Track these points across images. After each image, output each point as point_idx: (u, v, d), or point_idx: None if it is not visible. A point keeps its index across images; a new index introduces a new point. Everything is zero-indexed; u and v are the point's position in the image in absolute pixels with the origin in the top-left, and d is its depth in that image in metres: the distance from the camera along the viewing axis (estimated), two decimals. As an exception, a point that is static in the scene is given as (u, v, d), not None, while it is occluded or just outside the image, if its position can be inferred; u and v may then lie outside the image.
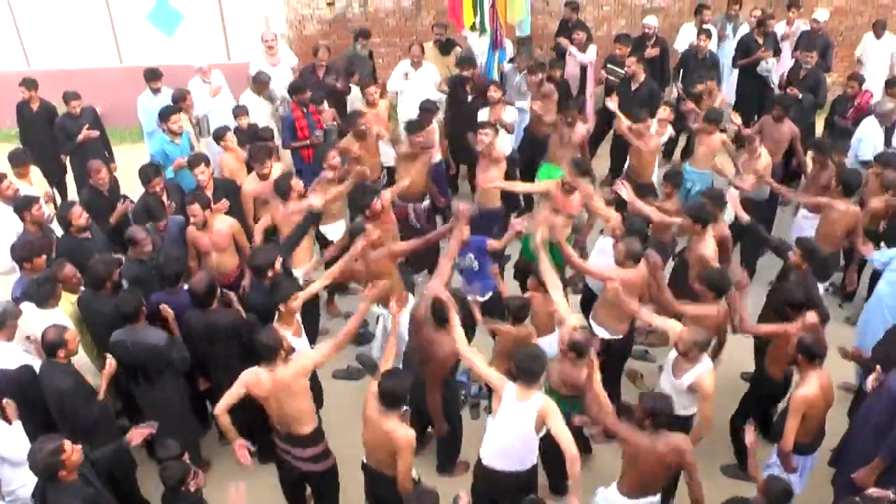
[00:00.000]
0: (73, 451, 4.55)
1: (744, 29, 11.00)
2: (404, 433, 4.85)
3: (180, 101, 9.00)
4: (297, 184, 7.23)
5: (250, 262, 6.44)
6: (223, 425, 5.31)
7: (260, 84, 9.51)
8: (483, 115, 8.87)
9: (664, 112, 8.64)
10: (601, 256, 7.19)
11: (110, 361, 5.64)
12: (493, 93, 8.89)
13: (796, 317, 5.75)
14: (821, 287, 7.22)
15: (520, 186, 8.32)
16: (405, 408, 5.65)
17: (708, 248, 6.63)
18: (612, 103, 8.97)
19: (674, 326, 5.67)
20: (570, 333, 5.44)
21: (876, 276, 7.22)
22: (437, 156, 8.96)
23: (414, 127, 8.07)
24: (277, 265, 6.24)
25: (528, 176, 9.50)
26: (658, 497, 5.17)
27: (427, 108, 8.51)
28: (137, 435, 5.16)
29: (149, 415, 5.96)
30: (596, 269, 6.61)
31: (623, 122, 8.69)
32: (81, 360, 5.81)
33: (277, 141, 9.15)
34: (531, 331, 6.16)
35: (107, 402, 5.78)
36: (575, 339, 5.37)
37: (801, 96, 9.39)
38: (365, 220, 7.02)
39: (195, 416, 6.45)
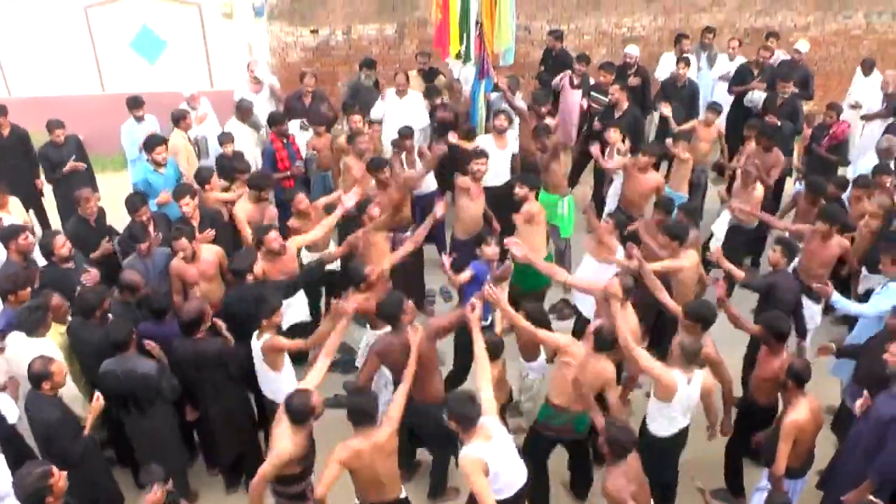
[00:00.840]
0: (60, 478, 4.53)
1: (722, 59, 11.19)
2: (384, 431, 4.98)
3: (180, 120, 9.03)
4: (269, 240, 6.95)
5: (230, 266, 6.59)
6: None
7: (243, 111, 9.52)
8: (484, 143, 8.84)
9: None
10: (586, 269, 7.29)
11: (98, 397, 5.56)
12: (503, 121, 8.90)
13: (780, 350, 5.81)
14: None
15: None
16: None
17: (684, 266, 6.79)
18: (594, 148, 9.01)
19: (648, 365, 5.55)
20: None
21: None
22: (431, 185, 9.00)
23: (379, 163, 8.02)
24: (258, 269, 6.33)
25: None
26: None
27: (401, 133, 8.64)
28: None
29: (138, 444, 5.97)
30: (585, 285, 6.65)
31: (609, 161, 8.88)
32: (70, 391, 5.73)
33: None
34: (500, 369, 6.21)
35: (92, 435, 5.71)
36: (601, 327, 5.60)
37: (779, 123, 9.56)
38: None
39: (183, 445, 6.40)
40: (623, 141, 9.07)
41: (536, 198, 7.78)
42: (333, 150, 9.10)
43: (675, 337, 5.69)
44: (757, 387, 6.01)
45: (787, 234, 7.72)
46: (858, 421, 5.46)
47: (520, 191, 7.56)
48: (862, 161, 9.32)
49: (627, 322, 5.92)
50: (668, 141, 9.12)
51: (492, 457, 4.79)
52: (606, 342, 5.51)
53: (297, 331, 6.94)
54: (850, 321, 7.60)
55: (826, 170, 9.16)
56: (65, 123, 9.10)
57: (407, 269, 7.90)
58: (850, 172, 9.58)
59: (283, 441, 4.99)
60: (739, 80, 10.81)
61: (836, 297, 6.66)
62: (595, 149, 8.86)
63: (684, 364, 5.40)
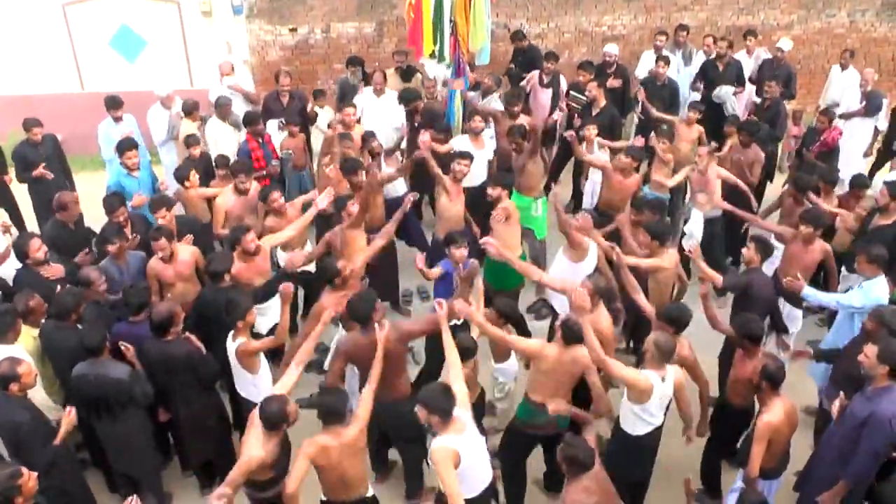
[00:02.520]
0: (30, 478, 4.50)
1: (699, 57, 11.21)
2: (352, 429, 4.97)
3: (193, 110, 9.19)
4: (246, 241, 6.94)
5: (206, 268, 6.57)
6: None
7: (223, 108, 9.45)
8: (460, 144, 8.79)
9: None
10: (559, 268, 7.26)
11: (69, 411, 5.49)
12: (479, 123, 8.86)
13: (755, 353, 5.77)
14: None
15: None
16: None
17: (664, 264, 6.77)
18: (571, 136, 8.98)
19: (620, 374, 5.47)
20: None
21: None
22: (400, 189, 8.95)
23: (353, 165, 7.94)
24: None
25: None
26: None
27: (365, 138, 8.69)
28: None
29: (110, 449, 5.93)
30: (559, 284, 6.55)
31: (588, 154, 8.86)
32: (41, 399, 5.69)
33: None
34: (472, 368, 6.16)
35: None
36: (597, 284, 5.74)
37: (757, 120, 9.58)
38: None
39: (157, 448, 6.36)
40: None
41: (509, 197, 7.78)
42: (331, 143, 8.99)
43: (649, 336, 5.65)
44: (732, 388, 6.01)
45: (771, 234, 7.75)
46: (833, 422, 5.45)
47: (493, 192, 7.52)
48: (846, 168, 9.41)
49: (600, 323, 5.93)
50: (652, 136, 9.09)
51: (464, 449, 4.76)
52: (574, 334, 5.44)
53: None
54: (830, 322, 7.60)
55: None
56: (42, 123, 9.03)
57: (382, 269, 7.91)
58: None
59: (254, 448, 4.95)
60: (703, 76, 10.84)
61: (807, 291, 6.65)
62: (570, 134, 8.84)
63: (658, 362, 5.39)
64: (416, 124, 9.41)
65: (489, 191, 7.57)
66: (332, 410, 4.94)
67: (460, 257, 6.68)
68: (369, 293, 6.02)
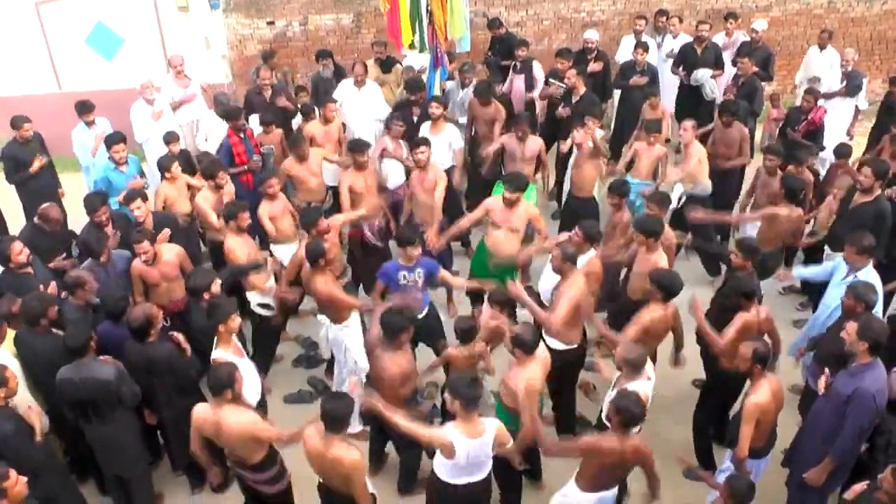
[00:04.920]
0: (17, 482, 4.48)
1: (680, 40, 11.21)
2: (350, 456, 4.79)
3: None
4: (243, 218, 7.06)
5: (187, 284, 6.46)
6: (200, 461, 5.32)
7: (221, 105, 9.46)
8: (423, 131, 8.87)
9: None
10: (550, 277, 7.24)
11: (41, 415, 5.48)
12: (435, 109, 8.88)
13: (749, 307, 5.88)
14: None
15: (463, 222, 7.89)
16: (361, 427, 5.54)
17: (661, 260, 6.66)
18: (565, 111, 9.07)
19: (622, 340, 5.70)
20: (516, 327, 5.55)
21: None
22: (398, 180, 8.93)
23: (361, 144, 8.08)
24: (214, 287, 6.24)
25: (476, 187, 9.65)
26: (615, 490, 5.24)
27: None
28: None
29: (99, 451, 5.87)
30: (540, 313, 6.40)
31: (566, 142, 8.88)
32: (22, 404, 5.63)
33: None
34: (481, 348, 6.17)
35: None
36: (518, 333, 5.45)
37: (734, 99, 9.64)
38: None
39: (146, 448, 6.31)
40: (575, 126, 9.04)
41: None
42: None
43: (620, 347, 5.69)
44: (729, 352, 5.95)
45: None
46: (819, 399, 5.49)
47: (511, 196, 7.29)
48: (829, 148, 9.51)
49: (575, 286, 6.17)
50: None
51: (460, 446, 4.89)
52: (527, 345, 5.45)
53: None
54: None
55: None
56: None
57: (371, 261, 8.04)
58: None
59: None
60: (682, 60, 10.87)
61: (798, 271, 7.00)
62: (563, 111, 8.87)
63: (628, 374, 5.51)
64: (414, 119, 9.33)
65: (507, 195, 7.33)
66: (335, 417, 4.80)
67: (413, 256, 6.72)
68: (410, 312, 6.00)
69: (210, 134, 9.45)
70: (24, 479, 4.55)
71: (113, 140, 8.29)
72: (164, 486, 6.63)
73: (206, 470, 5.58)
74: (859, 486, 4.82)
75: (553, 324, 6.04)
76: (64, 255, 7.33)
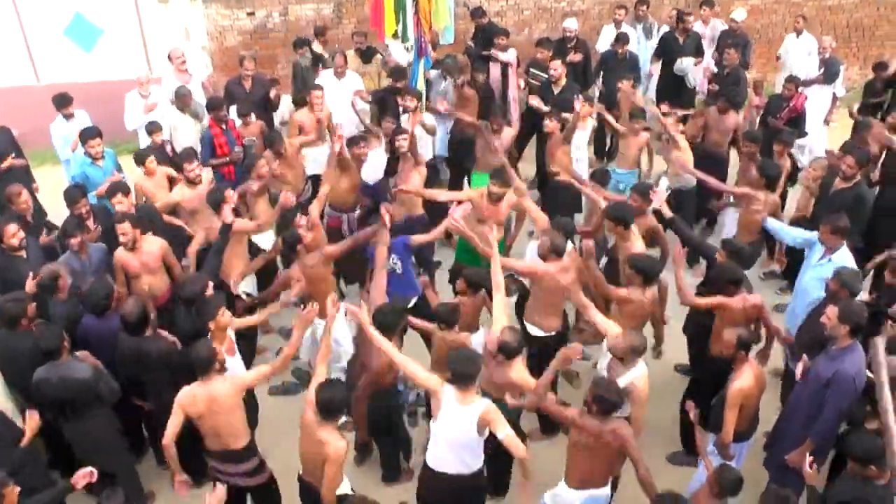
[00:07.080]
0: (13, 491, 4.46)
1: (661, 29, 11.25)
2: (336, 444, 4.80)
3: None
4: (229, 196, 7.07)
5: (180, 293, 6.25)
6: (169, 456, 5.23)
7: (182, 99, 9.27)
8: (403, 121, 8.89)
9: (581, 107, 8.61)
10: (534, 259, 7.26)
11: (33, 416, 5.41)
12: (409, 102, 8.90)
13: (736, 293, 5.93)
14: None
15: (443, 196, 7.98)
16: (345, 419, 5.56)
17: (635, 246, 6.67)
18: (535, 100, 9.16)
19: (612, 328, 5.71)
20: (500, 334, 5.47)
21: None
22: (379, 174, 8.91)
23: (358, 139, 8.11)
24: (208, 291, 6.12)
25: (457, 179, 9.68)
26: (608, 489, 5.27)
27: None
28: (81, 479, 4.95)
29: (79, 449, 5.79)
30: (521, 265, 6.67)
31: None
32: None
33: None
34: (465, 336, 6.16)
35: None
36: (504, 341, 5.41)
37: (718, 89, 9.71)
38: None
39: (129, 444, 6.26)
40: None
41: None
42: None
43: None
44: (715, 339, 6.10)
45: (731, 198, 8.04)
46: (799, 383, 5.57)
47: (499, 190, 7.23)
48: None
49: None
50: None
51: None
52: (510, 350, 5.46)
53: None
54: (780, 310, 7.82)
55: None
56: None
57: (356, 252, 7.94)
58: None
59: None
60: (664, 49, 10.92)
61: (771, 223, 7.12)
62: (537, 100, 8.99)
63: (629, 362, 5.51)
64: (401, 110, 9.25)
65: (494, 189, 7.26)
66: (331, 406, 4.81)
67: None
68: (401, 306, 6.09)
69: (176, 129, 9.29)
70: (18, 489, 4.52)
71: (88, 135, 8.21)
72: (153, 480, 6.54)
73: (175, 472, 5.38)
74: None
75: None
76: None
